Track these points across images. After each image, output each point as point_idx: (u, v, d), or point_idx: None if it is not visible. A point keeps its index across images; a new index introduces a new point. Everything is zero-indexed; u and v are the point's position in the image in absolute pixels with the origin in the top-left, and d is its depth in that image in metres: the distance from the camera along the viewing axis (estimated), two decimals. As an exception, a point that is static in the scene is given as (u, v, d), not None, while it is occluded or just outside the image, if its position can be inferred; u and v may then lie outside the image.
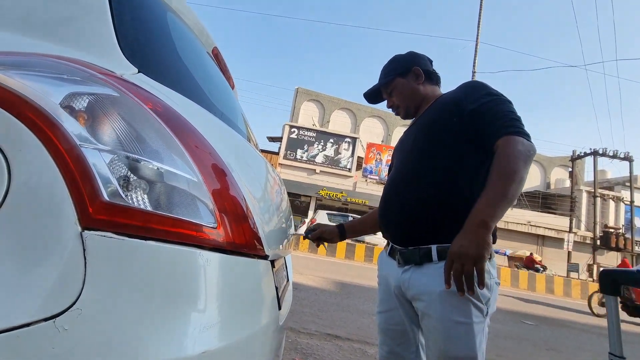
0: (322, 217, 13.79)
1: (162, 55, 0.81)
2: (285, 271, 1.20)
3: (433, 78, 1.20)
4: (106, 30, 0.67)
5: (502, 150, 0.89)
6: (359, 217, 1.42)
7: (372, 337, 2.97)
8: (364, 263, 11.10)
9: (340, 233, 1.33)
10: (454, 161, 0.98)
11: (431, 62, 1.23)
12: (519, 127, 0.92)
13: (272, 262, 0.82)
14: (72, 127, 0.46)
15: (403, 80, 1.18)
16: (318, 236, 1.33)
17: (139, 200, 0.48)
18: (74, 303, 0.40)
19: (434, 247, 0.94)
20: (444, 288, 0.87)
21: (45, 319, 0.39)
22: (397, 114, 1.24)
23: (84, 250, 0.42)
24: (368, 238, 14.16)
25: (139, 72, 0.65)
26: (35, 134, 0.44)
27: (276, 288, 0.83)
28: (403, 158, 1.12)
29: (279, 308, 0.84)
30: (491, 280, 0.92)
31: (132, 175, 0.48)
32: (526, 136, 0.91)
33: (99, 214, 0.44)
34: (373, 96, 1.28)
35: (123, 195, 0.46)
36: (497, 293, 0.96)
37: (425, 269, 0.95)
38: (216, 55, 1.32)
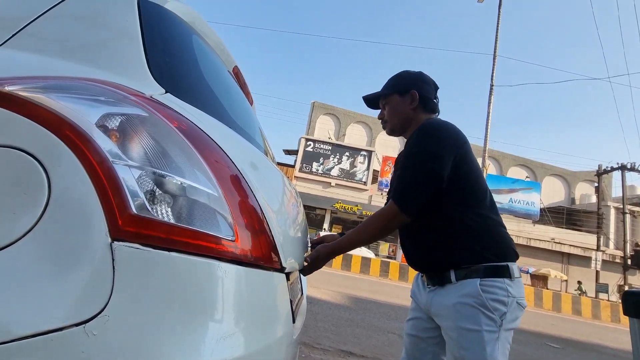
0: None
1: (187, 76, 0.86)
2: (299, 284, 1.21)
3: (428, 106, 1.20)
4: (137, 53, 0.72)
5: (377, 213, 1.12)
6: None
7: (387, 355, 2.90)
8: (380, 278, 10.90)
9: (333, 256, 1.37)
10: (446, 203, 1.05)
11: (436, 89, 1.24)
12: (402, 195, 1.05)
13: (287, 275, 0.83)
14: (105, 145, 0.50)
15: (399, 99, 1.20)
16: (319, 241, 1.32)
17: (164, 213, 0.51)
18: (102, 310, 0.43)
19: (452, 272, 1.03)
20: (457, 300, 0.99)
21: (77, 324, 0.41)
22: (383, 128, 1.29)
23: (113, 260, 0.45)
24: (365, 251, 14.29)
25: (166, 92, 0.69)
26: (72, 150, 0.48)
27: (291, 301, 0.84)
28: None
29: (293, 321, 0.84)
30: (509, 298, 0.98)
31: (157, 189, 0.51)
32: (403, 203, 1.04)
33: (127, 225, 0.47)
34: (371, 102, 1.31)
35: (149, 209, 0.49)
36: (520, 313, 1.02)
37: (447, 289, 1.04)
38: (236, 74, 1.38)
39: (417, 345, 1.17)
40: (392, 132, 1.26)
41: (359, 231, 1.13)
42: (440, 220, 1.06)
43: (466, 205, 1.05)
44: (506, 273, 1.00)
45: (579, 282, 17.17)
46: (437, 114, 1.23)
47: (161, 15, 0.85)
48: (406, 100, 1.19)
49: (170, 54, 0.82)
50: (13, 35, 0.68)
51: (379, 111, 1.31)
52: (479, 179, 1.09)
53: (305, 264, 1.14)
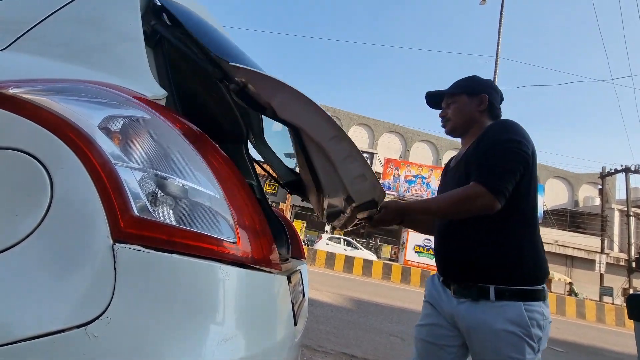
0: (321, 243, 14.32)
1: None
2: (301, 287, 1.21)
3: (493, 112, 1.20)
4: (140, 56, 0.73)
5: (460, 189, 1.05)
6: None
7: (389, 358, 2.88)
8: (382, 280, 10.86)
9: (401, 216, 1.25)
10: (500, 217, 1.01)
11: (502, 99, 1.24)
12: (490, 178, 0.99)
13: (289, 277, 0.83)
14: (108, 147, 0.50)
15: (467, 99, 1.20)
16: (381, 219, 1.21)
17: (165, 215, 0.51)
18: (104, 312, 0.43)
19: (492, 288, 1.00)
20: (501, 326, 0.96)
21: (78, 326, 0.41)
22: (443, 126, 1.27)
23: (115, 262, 0.45)
24: (367, 253, 14.44)
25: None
26: (74, 152, 0.49)
27: (292, 303, 0.84)
28: None
29: (295, 324, 0.84)
30: (544, 321, 0.99)
31: (159, 191, 0.51)
32: (491, 187, 0.97)
33: (129, 228, 0.47)
34: (434, 99, 1.30)
35: (151, 211, 0.49)
36: (549, 331, 1.02)
37: (482, 306, 1.01)
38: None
39: (434, 353, 1.14)
40: (452, 132, 1.25)
41: (435, 200, 1.10)
42: (501, 233, 1.03)
43: (528, 224, 1.04)
44: (542, 296, 1.00)
45: (570, 283, 17.01)
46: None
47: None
48: (474, 102, 1.19)
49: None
50: (18, 39, 0.68)
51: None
52: (536, 196, 1.08)
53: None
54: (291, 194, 1.86)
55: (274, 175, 1.91)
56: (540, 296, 0.99)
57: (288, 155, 1.91)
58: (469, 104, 1.19)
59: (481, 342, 1.01)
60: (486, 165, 1.02)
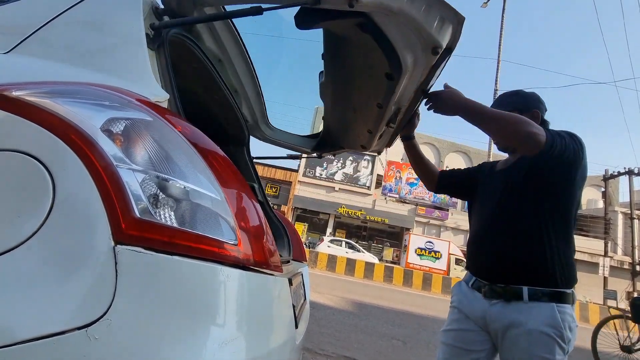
0: (323, 245, 14.45)
1: None
2: (302, 289, 1.21)
3: (544, 126, 1.18)
4: (143, 59, 0.73)
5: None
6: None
7: (392, 362, 2.86)
8: (383, 283, 10.83)
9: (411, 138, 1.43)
10: (544, 219, 1.05)
11: (546, 110, 1.24)
12: (542, 130, 1.00)
13: (290, 280, 0.83)
14: (110, 149, 0.50)
15: None
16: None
17: (167, 217, 0.51)
18: (104, 313, 0.43)
19: (525, 289, 1.02)
20: (535, 327, 0.98)
21: (79, 328, 0.41)
22: (495, 143, 1.23)
23: (116, 263, 0.45)
24: (369, 256, 14.53)
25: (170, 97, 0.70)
26: (77, 154, 0.49)
27: (293, 306, 0.84)
28: (492, 203, 1.18)
29: (296, 326, 0.84)
30: (574, 323, 1.01)
31: (161, 193, 0.52)
32: (541, 134, 0.98)
33: (130, 229, 0.47)
34: None
35: (152, 212, 0.50)
36: (577, 334, 1.04)
37: (514, 306, 1.03)
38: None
39: (461, 357, 1.15)
40: (506, 149, 1.23)
41: (493, 110, 1.06)
42: (544, 236, 1.04)
43: (567, 229, 1.06)
44: (571, 299, 1.02)
45: None
46: None
47: None
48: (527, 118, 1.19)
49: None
50: (22, 42, 0.69)
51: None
52: (578, 204, 1.10)
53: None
54: (321, 157, 1.93)
55: (296, 149, 1.97)
56: (570, 299, 1.02)
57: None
58: None
59: (513, 342, 1.02)
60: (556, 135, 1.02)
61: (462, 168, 1.45)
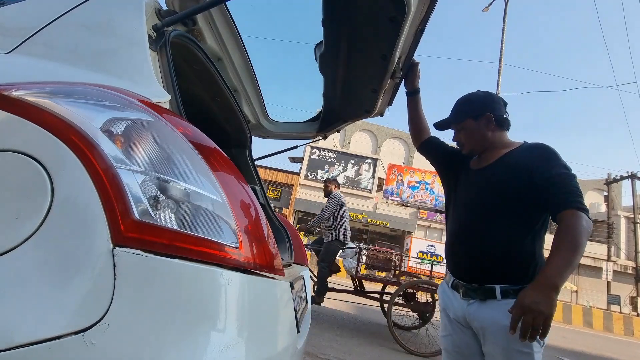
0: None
1: None
2: (304, 293, 1.19)
3: (504, 124, 1.22)
4: (144, 60, 0.73)
5: (569, 223, 0.98)
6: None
7: (394, 367, 2.83)
8: (385, 287, 10.74)
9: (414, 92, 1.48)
10: (521, 220, 1.08)
11: (505, 105, 1.26)
12: (583, 204, 1.00)
13: (292, 284, 0.82)
14: (110, 150, 0.50)
15: (474, 123, 1.22)
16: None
17: (167, 219, 0.50)
18: (102, 318, 0.42)
19: (497, 287, 1.06)
20: (508, 322, 0.95)
21: (75, 333, 0.40)
22: (460, 149, 1.30)
23: (114, 266, 0.44)
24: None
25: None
26: (76, 155, 0.48)
27: (295, 310, 0.83)
28: (469, 203, 1.20)
29: (298, 331, 0.82)
30: None
31: (161, 195, 0.51)
32: (587, 213, 0.99)
33: (130, 231, 0.46)
34: (443, 127, 1.34)
35: (152, 214, 0.49)
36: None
37: (489, 304, 1.07)
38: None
39: None
40: (470, 153, 1.28)
41: (568, 251, 0.94)
42: (523, 237, 1.07)
43: (542, 230, 1.09)
44: None
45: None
46: (509, 128, 1.25)
47: None
48: (481, 123, 1.21)
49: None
50: (23, 42, 0.69)
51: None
52: None
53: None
54: (325, 138, 1.95)
55: (300, 136, 1.99)
56: None
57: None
58: (477, 127, 1.21)
59: (492, 339, 1.04)
60: (570, 190, 1.01)
61: (450, 145, 1.45)
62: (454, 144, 1.38)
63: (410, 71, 1.46)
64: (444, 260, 1.34)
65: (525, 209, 1.08)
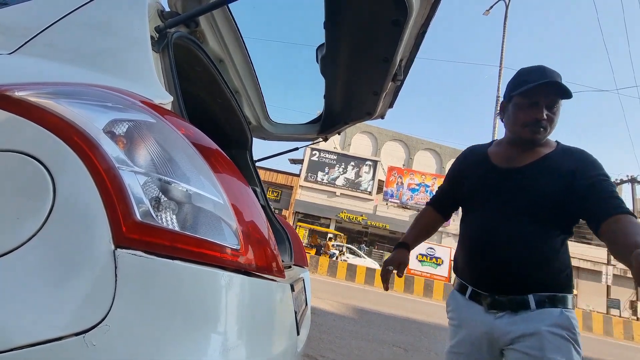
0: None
1: None
2: (304, 295, 1.19)
3: (505, 110, 1.14)
4: (146, 61, 0.73)
5: (630, 221, 0.91)
6: (409, 230, 1.36)
7: (393, 370, 2.82)
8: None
9: (407, 251, 1.29)
10: (558, 226, 1.01)
11: (513, 86, 1.11)
12: (630, 210, 0.96)
13: (292, 285, 0.82)
14: (112, 151, 0.50)
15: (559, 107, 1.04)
16: (401, 266, 1.26)
17: (168, 220, 0.50)
18: (103, 319, 0.41)
19: (531, 297, 0.98)
20: (548, 329, 0.93)
21: (76, 334, 0.40)
22: (533, 131, 1.03)
23: (116, 267, 0.44)
24: (370, 262, 14.44)
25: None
26: (78, 156, 0.48)
27: (295, 312, 0.82)
28: (501, 207, 1.06)
29: (298, 333, 0.82)
30: (578, 327, 0.97)
31: (163, 196, 0.51)
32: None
33: (131, 233, 0.46)
34: (553, 90, 1.02)
35: (154, 216, 0.49)
36: None
37: (523, 315, 0.98)
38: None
39: None
40: (540, 141, 1.06)
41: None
42: (559, 241, 1.01)
43: (570, 235, 1.04)
44: (574, 303, 1.01)
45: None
46: None
47: None
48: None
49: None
50: (26, 43, 0.69)
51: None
52: None
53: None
54: (326, 140, 1.95)
55: (301, 138, 2.01)
56: (572, 303, 1.00)
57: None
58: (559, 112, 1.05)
59: (529, 348, 0.95)
60: (614, 196, 0.96)
61: (444, 185, 1.33)
62: (465, 153, 1.24)
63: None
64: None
65: (563, 216, 1.01)
